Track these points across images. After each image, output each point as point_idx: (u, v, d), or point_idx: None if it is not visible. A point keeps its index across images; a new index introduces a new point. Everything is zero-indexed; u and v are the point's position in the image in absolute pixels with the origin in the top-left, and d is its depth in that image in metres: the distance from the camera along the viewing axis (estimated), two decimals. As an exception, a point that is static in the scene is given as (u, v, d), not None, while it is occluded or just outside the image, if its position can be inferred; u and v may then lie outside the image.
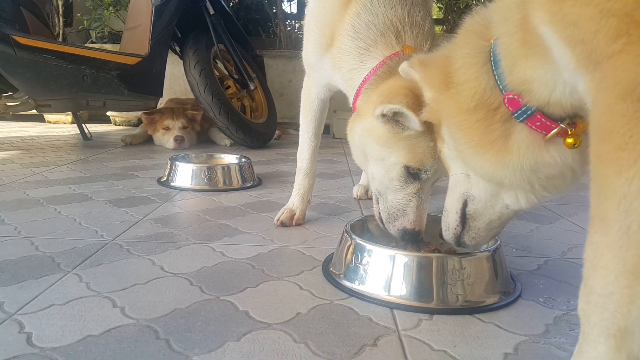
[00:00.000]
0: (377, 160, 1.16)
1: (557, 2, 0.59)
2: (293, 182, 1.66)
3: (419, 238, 1.17)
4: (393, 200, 1.17)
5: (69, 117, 4.50)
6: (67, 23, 5.13)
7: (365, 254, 1.11)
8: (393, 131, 1.10)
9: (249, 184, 2.17)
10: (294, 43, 4.82)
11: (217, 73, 3.34)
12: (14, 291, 1.04)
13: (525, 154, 0.80)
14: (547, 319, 1.01)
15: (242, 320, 0.95)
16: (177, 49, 3.49)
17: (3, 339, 0.86)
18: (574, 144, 0.77)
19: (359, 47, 1.25)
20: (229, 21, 3.45)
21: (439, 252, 1.12)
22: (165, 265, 1.22)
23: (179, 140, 3.18)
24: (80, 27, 4.93)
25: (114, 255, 1.27)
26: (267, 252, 1.35)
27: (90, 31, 4.76)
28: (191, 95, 3.31)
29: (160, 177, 2.25)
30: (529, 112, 0.77)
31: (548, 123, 0.77)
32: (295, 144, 1.72)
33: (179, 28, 3.27)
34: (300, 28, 5.30)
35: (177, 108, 3.38)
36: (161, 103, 3.59)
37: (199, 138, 3.49)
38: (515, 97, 0.78)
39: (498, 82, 0.80)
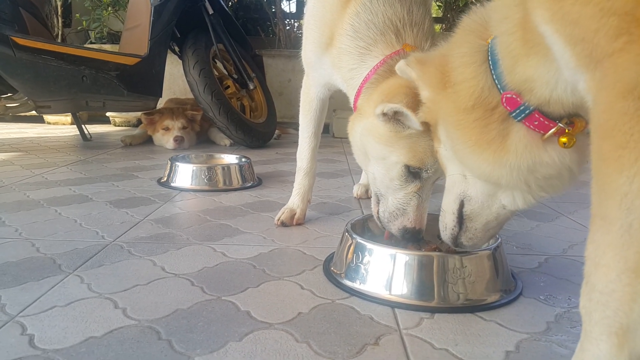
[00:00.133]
0: (377, 159, 1.16)
1: (558, 0, 0.59)
2: (293, 182, 1.66)
3: (420, 237, 1.17)
4: (394, 199, 1.17)
5: (68, 118, 4.50)
6: (66, 24, 5.12)
7: (366, 253, 1.11)
8: (394, 130, 1.10)
9: (249, 184, 2.17)
10: (293, 42, 4.82)
11: (216, 73, 3.34)
12: (16, 293, 1.04)
13: (523, 153, 0.80)
14: (549, 317, 1.01)
15: (243, 321, 0.95)
16: (176, 49, 3.48)
17: (5, 341, 0.86)
18: (566, 144, 0.77)
19: (359, 46, 1.25)
20: (228, 21, 3.45)
21: (440, 250, 1.12)
22: (166, 266, 1.22)
23: (178, 140, 3.18)
24: (79, 28, 4.92)
25: (115, 256, 1.27)
26: (268, 252, 1.35)
27: (89, 32, 4.75)
28: (190, 96, 3.31)
29: (161, 178, 2.25)
30: (527, 112, 0.77)
31: (546, 122, 0.77)
32: (295, 143, 1.72)
33: (178, 28, 3.26)
34: (300, 27, 5.30)
35: (177, 108, 3.38)
36: (160, 103, 3.59)
37: (199, 138, 3.48)
38: (514, 96, 0.77)
39: (496, 81, 0.80)
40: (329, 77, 1.43)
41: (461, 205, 0.97)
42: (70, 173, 2.34)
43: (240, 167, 2.18)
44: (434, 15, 3.97)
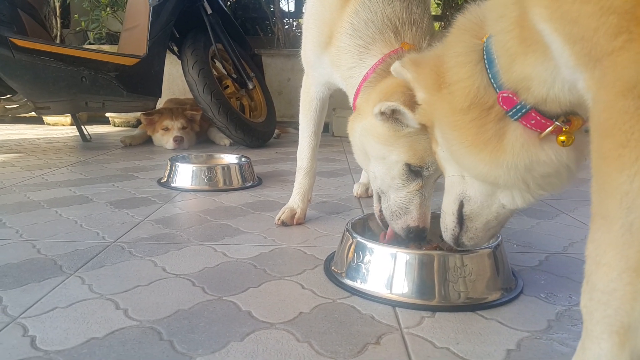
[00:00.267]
0: (378, 158, 1.16)
1: None
2: (293, 181, 1.66)
3: (424, 235, 1.17)
4: (395, 198, 1.16)
5: (68, 119, 4.50)
6: (65, 24, 5.12)
7: (367, 253, 1.11)
8: (393, 129, 1.09)
9: (249, 184, 2.17)
10: (292, 41, 4.81)
11: (215, 73, 3.34)
12: (17, 294, 1.05)
13: (520, 152, 0.79)
14: (549, 315, 1.01)
15: (245, 321, 0.96)
16: (175, 49, 3.48)
17: (7, 342, 0.86)
18: (565, 142, 0.77)
19: (358, 45, 1.25)
20: (226, 20, 3.45)
21: (441, 249, 1.12)
22: (167, 267, 1.22)
23: (178, 140, 3.18)
24: (77, 29, 4.92)
25: (116, 257, 1.27)
26: (269, 251, 1.35)
27: (88, 32, 4.75)
28: (190, 96, 3.31)
29: (161, 178, 2.25)
30: (523, 111, 0.77)
31: (543, 121, 0.77)
32: (294, 142, 1.72)
33: (176, 28, 3.26)
34: (298, 26, 5.29)
35: (176, 108, 3.38)
36: (160, 103, 3.59)
37: (199, 138, 3.48)
38: (510, 95, 0.77)
39: (492, 80, 0.79)
40: (328, 76, 1.43)
41: (461, 205, 0.96)
42: (70, 174, 2.34)
43: (240, 166, 2.18)
44: (432, 13, 3.96)
